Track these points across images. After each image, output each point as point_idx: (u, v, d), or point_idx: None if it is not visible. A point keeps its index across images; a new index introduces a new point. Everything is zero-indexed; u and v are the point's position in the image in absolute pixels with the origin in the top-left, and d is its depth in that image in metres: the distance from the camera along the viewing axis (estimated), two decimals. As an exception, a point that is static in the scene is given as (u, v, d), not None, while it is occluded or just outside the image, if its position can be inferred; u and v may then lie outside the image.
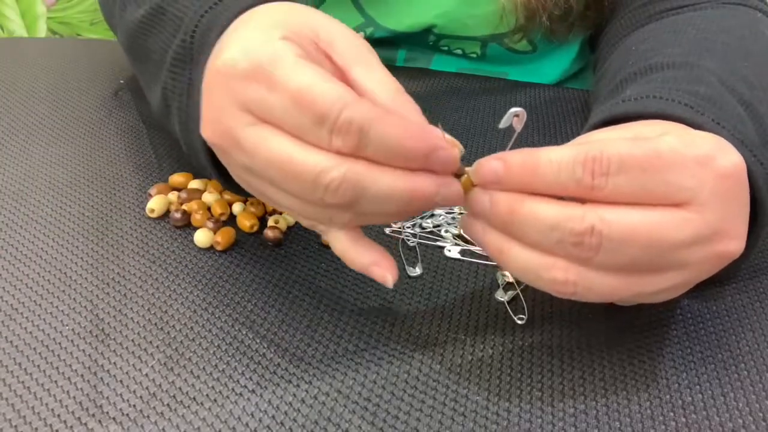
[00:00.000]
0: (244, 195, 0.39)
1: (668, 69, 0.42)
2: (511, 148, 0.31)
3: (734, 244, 0.30)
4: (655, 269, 0.30)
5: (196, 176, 0.48)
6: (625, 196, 0.28)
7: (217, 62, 0.31)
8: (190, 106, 0.37)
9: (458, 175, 0.31)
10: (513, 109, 0.32)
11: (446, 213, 0.46)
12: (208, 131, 0.33)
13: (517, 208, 0.30)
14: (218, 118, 0.32)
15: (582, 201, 0.29)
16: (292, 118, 0.29)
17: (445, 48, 0.70)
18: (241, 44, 0.31)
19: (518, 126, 0.32)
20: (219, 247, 0.42)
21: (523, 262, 0.30)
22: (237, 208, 0.45)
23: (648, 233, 0.28)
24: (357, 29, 0.68)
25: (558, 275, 0.29)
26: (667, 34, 0.50)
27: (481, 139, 0.56)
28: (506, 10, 0.63)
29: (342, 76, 0.32)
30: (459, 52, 0.70)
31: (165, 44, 0.40)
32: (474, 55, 0.70)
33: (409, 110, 0.31)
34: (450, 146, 0.29)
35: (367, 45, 0.33)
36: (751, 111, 0.39)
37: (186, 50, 0.37)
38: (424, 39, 0.69)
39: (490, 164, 0.30)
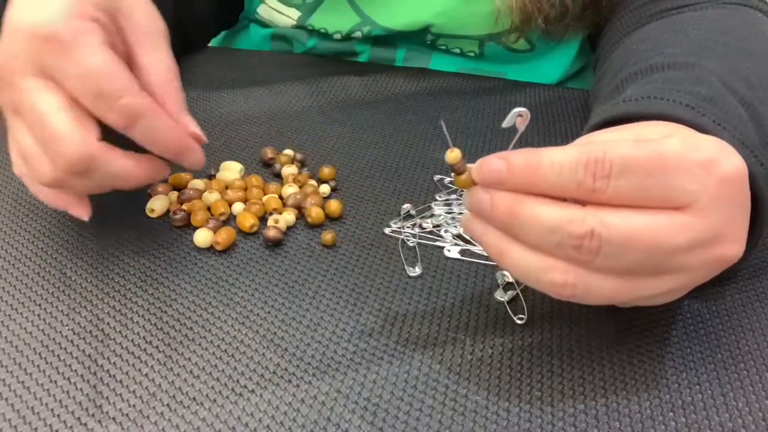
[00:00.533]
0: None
1: (669, 69, 0.42)
2: (513, 148, 0.31)
3: (734, 248, 0.30)
4: (654, 273, 0.30)
5: (196, 176, 0.48)
6: (626, 198, 0.28)
7: (26, 18, 0.34)
8: None
9: (460, 173, 0.31)
10: (516, 109, 0.32)
11: (446, 213, 0.46)
12: None
13: (518, 209, 0.30)
14: (7, 51, 0.35)
15: (583, 203, 0.29)
16: (77, 83, 0.33)
17: (443, 47, 0.70)
18: (52, 10, 0.34)
19: (521, 126, 0.32)
20: (219, 247, 0.42)
21: (522, 263, 0.30)
22: (237, 207, 0.45)
23: (648, 237, 0.28)
24: (354, 28, 0.68)
25: (557, 277, 0.29)
26: (668, 34, 0.50)
27: (481, 139, 0.56)
28: (501, 12, 0.63)
29: (128, 50, 0.37)
30: (457, 51, 0.70)
31: None
32: (472, 54, 0.70)
33: (174, 95, 0.37)
34: (198, 150, 0.38)
35: (159, 26, 0.38)
36: (752, 112, 0.39)
37: None
38: (421, 38, 0.69)
39: (493, 163, 0.30)
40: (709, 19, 0.51)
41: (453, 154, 0.31)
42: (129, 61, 0.37)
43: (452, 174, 0.32)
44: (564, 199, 0.30)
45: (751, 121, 0.38)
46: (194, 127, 0.39)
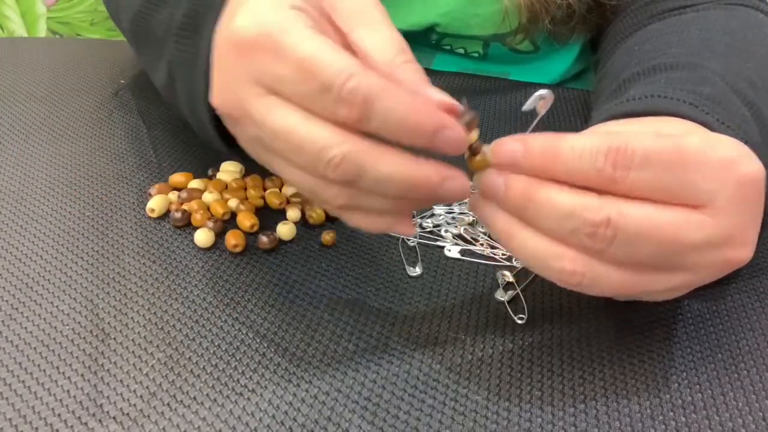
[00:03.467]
0: (246, 162, 0.39)
1: (672, 70, 0.42)
2: (532, 132, 0.31)
3: (745, 252, 0.30)
4: (663, 268, 0.30)
5: (196, 176, 0.48)
6: (644, 191, 0.28)
7: (227, 31, 0.31)
8: (196, 75, 0.37)
9: (475, 153, 0.31)
10: (539, 92, 0.31)
11: (446, 213, 0.46)
12: (218, 100, 0.33)
13: (533, 193, 0.29)
14: (229, 88, 0.32)
15: (599, 193, 0.29)
16: (299, 88, 0.28)
17: (447, 47, 0.70)
18: (250, 13, 0.30)
19: (542, 110, 0.31)
20: (238, 249, 0.42)
21: (531, 248, 0.30)
22: (233, 203, 0.45)
23: (664, 231, 0.28)
24: None
25: (566, 265, 0.29)
26: (670, 35, 0.50)
27: (482, 140, 0.56)
28: (509, 12, 0.63)
29: (344, 39, 0.31)
30: (461, 51, 0.70)
31: (169, 19, 0.41)
32: (476, 55, 0.70)
33: (410, 75, 0.30)
34: (457, 126, 0.29)
35: (373, 1, 0.32)
36: (755, 112, 0.39)
37: (191, 20, 0.37)
38: (426, 38, 0.69)
39: (510, 146, 0.30)
40: (711, 20, 0.51)
41: (471, 134, 0.30)
42: (348, 49, 0.30)
43: (466, 155, 0.31)
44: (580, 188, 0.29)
45: (754, 121, 0.38)
46: (441, 95, 0.30)
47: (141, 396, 0.32)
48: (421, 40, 0.70)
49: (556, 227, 0.29)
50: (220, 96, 0.33)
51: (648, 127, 0.33)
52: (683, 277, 0.30)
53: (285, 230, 0.43)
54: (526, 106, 0.31)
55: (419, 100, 0.28)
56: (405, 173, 0.28)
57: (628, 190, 0.28)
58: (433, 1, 0.65)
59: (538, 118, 0.32)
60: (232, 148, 0.37)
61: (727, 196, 0.29)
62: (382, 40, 0.31)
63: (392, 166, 0.28)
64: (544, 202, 0.29)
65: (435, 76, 0.68)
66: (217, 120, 0.36)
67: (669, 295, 0.32)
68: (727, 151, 0.29)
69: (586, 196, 0.29)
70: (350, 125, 0.28)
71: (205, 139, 0.39)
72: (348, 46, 0.31)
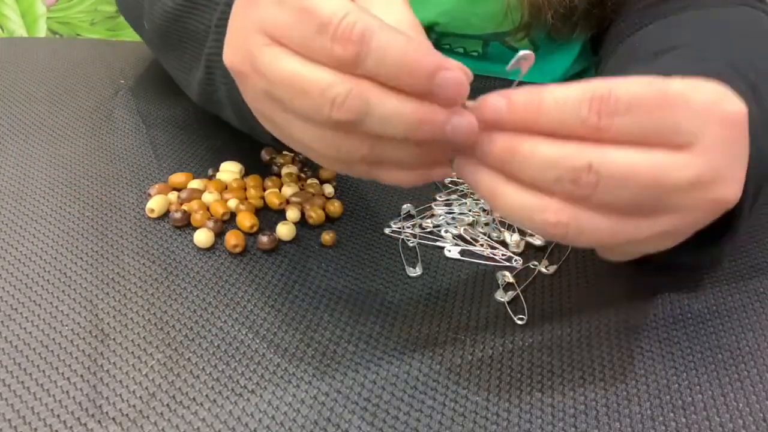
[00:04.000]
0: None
1: (674, 50, 0.42)
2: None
3: (731, 190, 0.30)
4: (650, 212, 0.29)
5: (195, 176, 0.48)
6: (629, 136, 0.28)
7: None
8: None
9: None
10: (522, 52, 0.31)
11: (446, 213, 0.46)
12: (228, 56, 0.33)
13: (517, 146, 0.29)
14: (237, 43, 0.32)
15: (585, 142, 0.29)
16: (298, 32, 0.29)
17: (447, 47, 0.70)
18: None
19: (525, 69, 0.31)
20: (239, 250, 0.42)
21: (516, 203, 0.30)
22: (233, 203, 0.45)
23: (648, 173, 0.28)
24: None
25: (550, 217, 0.29)
26: (672, 29, 0.50)
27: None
28: (511, 7, 0.62)
29: None
30: (460, 50, 0.70)
31: (209, 17, 0.42)
32: (475, 54, 0.70)
33: (422, 44, 0.29)
34: (457, 69, 0.28)
35: None
36: (756, 93, 0.39)
37: (230, 8, 0.37)
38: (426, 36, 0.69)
39: (493, 101, 0.29)
40: (712, 17, 0.51)
41: None
42: None
43: None
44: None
45: (755, 103, 0.38)
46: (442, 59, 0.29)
47: (140, 397, 0.32)
48: None
49: (540, 178, 0.28)
50: (229, 53, 0.33)
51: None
52: (671, 220, 0.29)
53: (285, 230, 0.43)
54: (510, 66, 0.31)
55: (414, 41, 0.28)
56: (409, 107, 0.28)
57: (613, 137, 0.28)
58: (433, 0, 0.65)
59: (520, 77, 0.32)
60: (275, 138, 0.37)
61: (711, 135, 0.28)
62: (396, 19, 0.30)
63: (396, 100, 0.28)
64: (527, 154, 0.29)
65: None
66: None
67: (658, 244, 0.31)
68: (709, 92, 0.29)
69: (568, 144, 0.28)
70: (349, 67, 0.28)
71: (248, 128, 0.41)
72: None
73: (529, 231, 0.30)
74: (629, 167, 0.28)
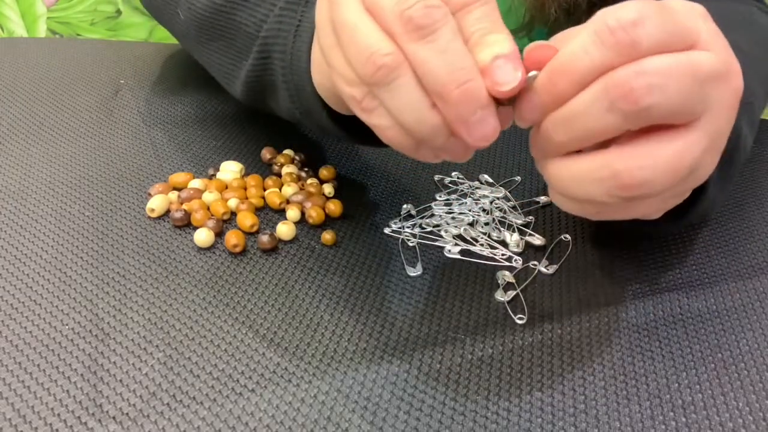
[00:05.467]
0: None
1: None
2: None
3: (740, 80, 0.30)
4: (696, 112, 0.29)
5: (196, 176, 0.48)
6: (653, 46, 0.28)
7: None
8: (297, 45, 0.39)
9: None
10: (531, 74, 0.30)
11: (446, 213, 0.46)
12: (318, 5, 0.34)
13: (559, 117, 0.29)
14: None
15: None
16: None
17: None
18: None
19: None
20: (238, 249, 0.42)
21: (581, 171, 0.30)
22: (233, 203, 0.45)
23: (687, 66, 0.28)
24: None
25: (618, 168, 0.29)
26: None
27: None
28: (514, 6, 0.63)
29: None
30: None
31: (263, 11, 0.43)
32: None
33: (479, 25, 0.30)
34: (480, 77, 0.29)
35: None
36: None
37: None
38: None
39: (528, 102, 0.30)
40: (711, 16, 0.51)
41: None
42: None
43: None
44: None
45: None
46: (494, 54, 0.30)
47: (140, 396, 0.32)
48: None
49: (593, 111, 0.28)
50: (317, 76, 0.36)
51: None
52: (710, 122, 0.29)
53: (285, 230, 0.43)
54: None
55: (459, 59, 0.28)
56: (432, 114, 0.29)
57: (643, 50, 0.28)
58: None
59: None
60: (339, 127, 0.39)
61: (707, 31, 0.29)
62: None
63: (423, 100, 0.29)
64: (570, 113, 0.29)
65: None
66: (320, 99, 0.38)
67: (707, 163, 0.31)
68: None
69: (602, 76, 0.28)
70: (401, 41, 0.29)
71: (302, 111, 0.41)
72: None
73: (601, 198, 0.30)
74: (672, 63, 0.27)
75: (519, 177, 0.50)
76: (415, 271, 0.41)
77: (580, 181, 0.30)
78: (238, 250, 0.42)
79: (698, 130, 0.29)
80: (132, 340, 0.35)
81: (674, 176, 0.29)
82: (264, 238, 0.42)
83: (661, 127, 0.29)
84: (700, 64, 0.28)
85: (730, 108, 0.30)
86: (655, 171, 0.29)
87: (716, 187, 0.38)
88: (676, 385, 0.34)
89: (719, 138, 0.31)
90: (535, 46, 0.30)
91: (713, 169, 0.32)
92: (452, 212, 0.46)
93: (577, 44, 0.29)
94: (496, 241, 0.44)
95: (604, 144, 0.30)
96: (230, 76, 0.48)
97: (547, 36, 0.67)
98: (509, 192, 0.49)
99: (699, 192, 0.36)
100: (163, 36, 1.24)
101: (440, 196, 0.48)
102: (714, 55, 0.29)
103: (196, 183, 0.47)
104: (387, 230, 0.45)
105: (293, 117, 0.44)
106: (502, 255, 0.42)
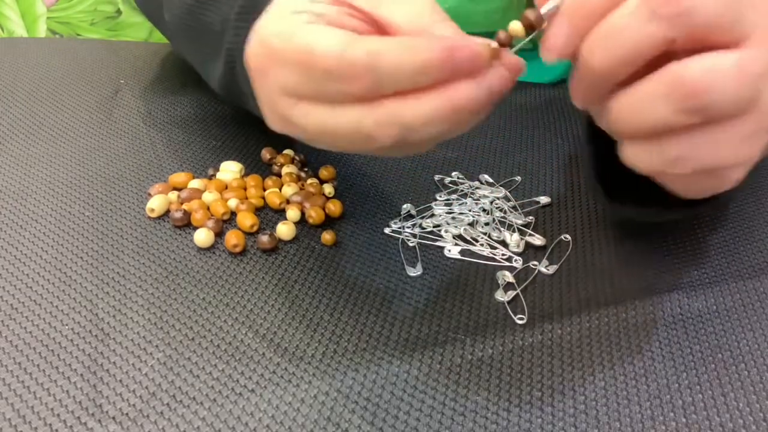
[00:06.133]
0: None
1: None
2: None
3: None
4: (734, 23, 0.27)
5: (196, 176, 0.48)
6: (701, 28, 0.26)
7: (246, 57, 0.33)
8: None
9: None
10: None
11: (446, 213, 0.46)
12: (272, 124, 0.34)
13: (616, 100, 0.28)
14: (272, 111, 0.33)
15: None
16: (311, 84, 0.29)
17: None
18: (255, 32, 0.32)
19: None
20: (238, 249, 0.42)
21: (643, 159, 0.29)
22: (233, 203, 0.45)
23: (737, 71, 0.26)
24: None
25: (680, 154, 0.27)
26: None
27: (481, 139, 0.56)
28: (514, 3, 0.63)
29: (372, 21, 0.31)
30: None
31: (226, 9, 0.41)
32: None
33: (446, 32, 0.30)
34: (468, 43, 0.28)
35: None
36: None
37: (250, 2, 0.38)
38: None
39: (555, 33, 0.28)
40: None
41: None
42: (378, 30, 0.31)
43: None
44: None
45: None
46: (453, 35, 0.30)
47: (140, 396, 0.32)
48: None
49: (662, 111, 0.27)
50: (271, 121, 0.34)
51: None
52: (757, 47, 0.27)
53: (285, 230, 0.43)
54: (545, 10, 0.29)
55: (415, 41, 0.28)
56: (444, 104, 0.28)
57: (697, 21, 0.26)
58: None
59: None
60: None
61: (763, 24, 0.27)
62: (411, 8, 0.30)
63: (429, 105, 0.28)
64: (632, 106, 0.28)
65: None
66: None
67: (755, 67, 0.28)
68: None
69: (658, 75, 0.27)
70: (372, 95, 0.28)
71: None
72: (377, 25, 0.31)
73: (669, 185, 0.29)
74: (725, 65, 0.26)
75: (519, 177, 0.50)
76: (415, 271, 0.41)
77: (646, 104, 0.28)
78: (238, 250, 0.42)
79: (751, 49, 0.27)
80: (132, 340, 0.35)
81: (740, 86, 0.27)
82: (264, 238, 0.42)
83: (714, 47, 0.27)
84: (752, 61, 0.26)
85: None
86: (721, 75, 0.26)
87: None
88: (677, 385, 0.34)
89: (762, 131, 0.29)
90: None
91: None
92: (452, 212, 0.46)
93: (622, 10, 0.27)
94: (496, 241, 0.44)
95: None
96: (210, 78, 0.48)
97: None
98: (509, 192, 0.49)
99: None
100: (163, 36, 1.24)
101: (440, 196, 0.48)
102: (763, 50, 0.27)
103: (196, 183, 0.47)
104: (387, 230, 0.45)
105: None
106: (503, 255, 0.42)
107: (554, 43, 0.28)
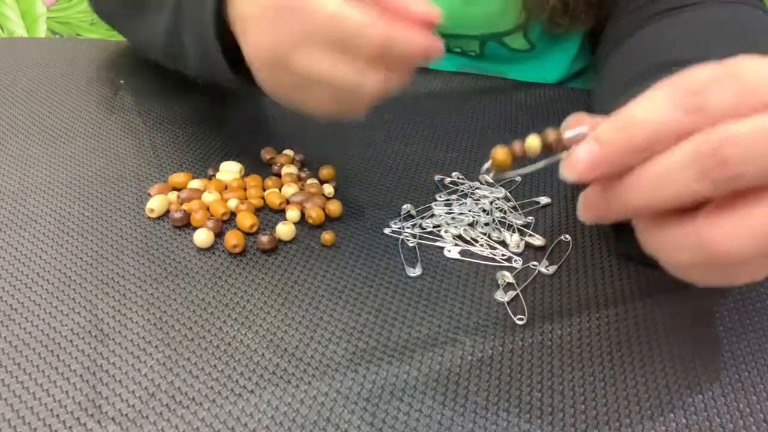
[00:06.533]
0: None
1: (676, 66, 0.42)
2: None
3: None
4: None
5: (195, 176, 0.48)
6: (731, 109, 0.26)
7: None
8: (205, 17, 0.43)
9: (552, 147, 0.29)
10: (584, 129, 0.29)
11: (446, 213, 0.46)
12: (260, 55, 0.38)
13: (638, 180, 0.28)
14: (271, 46, 0.37)
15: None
16: (330, 37, 0.35)
17: (445, 45, 0.70)
18: None
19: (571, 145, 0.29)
20: (238, 250, 0.42)
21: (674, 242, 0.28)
22: (233, 203, 0.45)
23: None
24: None
25: (715, 241, 0.27)
26: (672, 34, 0.50)
27: (481, 139, 0.56)
28: (509, 7, 0.63)
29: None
30: (458, 50, 0.70)
31: None
32: (473, 53, 0.70)
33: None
34: (435, 40, 0.36)
35: None
36: None
37: None
38: None
39: (585, 154, 0.28)
40: (709, 19, 0.51)
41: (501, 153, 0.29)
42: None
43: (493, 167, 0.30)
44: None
45: None
46: (417, 6, 0.36)
47: (139, 397, 0.32)
48: None
49: (681, 183, 0.27)
50: (260, 53, 0.38)
51: None
52: None
53: (284, 230, 0.43)
54: (571, 135, 0.29)
55: (415, 34, 0.35)
56: (414, 37, 0.35)
57: (719, 111, 0.26)
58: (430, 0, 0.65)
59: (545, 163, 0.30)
60: (239, 78, 0.44)
61: None
62: None
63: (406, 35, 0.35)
64: (652, 175, 0.27)
65: (432, 76, 0.68)
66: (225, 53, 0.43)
67: None
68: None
69: (686, 140, 0.27)
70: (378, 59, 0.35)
71: (214, 76, 0.46)
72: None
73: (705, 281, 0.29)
74: (755, 130, 0.26)
75: (519, 177, 0.50)
76: (414, 272, 0.41)
77: (670, 249, 0.29)
78: (237, 250, 0.42)
79: None
80: (131, 340, 0.35)
81: (766, 240, 0.27)
82: (264, 239, 0.42)
83: (750, 190, 0.27)
84: None
85: None
86: (746, 238, 0.27)
87: None
88: (677, 385, 0.34)
89: None
90: (576, 116, 0.29)
91: None
92: (452, 212, 0.46)
93: (644, 100, 0.27)
94: (496, 241, 0.44)
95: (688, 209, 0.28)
96: (152, 45, 0.54)
97: (544, 35, 0.67)
98: (509, 192, 0.49)
99: None
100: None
101: (440, 197, 0.48)
102: None
103: (196, 183, 0.47)
104: (387, 230, 0.45)
105: (201, 73, 0.50)
106: (502, 255, 0.42)
107: (578, 166, 0.28)
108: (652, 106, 0.27)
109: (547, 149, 0.29)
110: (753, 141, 0.26)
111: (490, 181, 0.50)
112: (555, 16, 0.62)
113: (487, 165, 0.30)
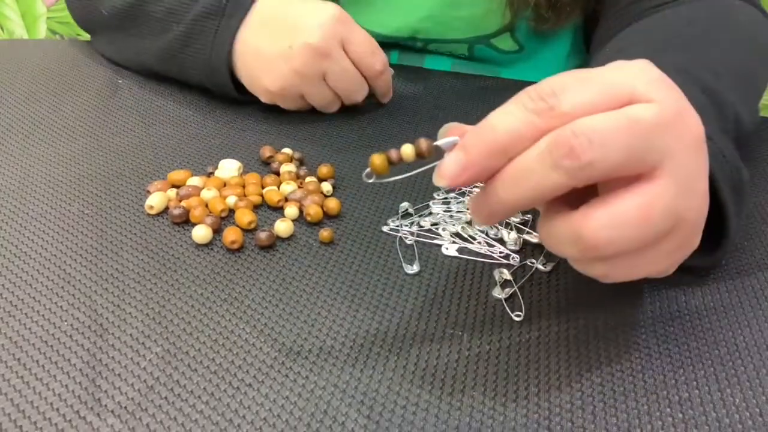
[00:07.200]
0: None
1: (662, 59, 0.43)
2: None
3: (695, 120, 0.30)
4: (645, 163, 0.28)
5: (194, 173, 0.49)
6: (582, 107, 0.28)
7: (304, 40, 0.54)
8: (216, 47, 0.57)
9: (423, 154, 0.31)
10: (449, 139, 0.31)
11: (444, 211, 0.46)
12: (275, 76, 0.56)
13: (500, 183, 0.30)
14: (296, 80, 0.55)
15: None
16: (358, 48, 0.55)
17: (433, 49, 0.71)
18: (314, 25, 0.54)
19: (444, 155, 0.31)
20: (236, 246, 0.42)
21: (552, 232, 0.30)
22: (232, 200, 0.45)
23: (622, 121, 0.28)
24: None
25: (586, 233, 0.29)
26: (636, 35, 0.51)
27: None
28: (493, 9, 0.63)
29: None
30: (447, 52, 0.71)
31: (179, 5, 0.58)
32: (462, 56, 0.71)
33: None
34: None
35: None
36: (715, 98, 0.40)
37: (217, 8, 0.56)
38: (412, 43, 0.70)
39: (451, 161, 0.30)
40: (681, 15, 0.52)
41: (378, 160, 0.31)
42: None
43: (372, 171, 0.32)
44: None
45: (712, 106, 0.39)
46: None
47: (139, 390, 0.32)
48: (407, 47, 0.71)
49: (539, 177, 0.28)
50: (274, 74, 0.56)
51: None
52: (670, 170, 0.29)
53: (283, 227, 0.43)
54: (441, 143, 0.31)
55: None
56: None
57: (571, 111, 0.28)
58: (413, 4, 0.66)
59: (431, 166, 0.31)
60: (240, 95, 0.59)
61: (645, 81, 0.29)
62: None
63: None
64: (512, 174, 0.29)
65: (427, 76, 0.68)
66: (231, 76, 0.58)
67: (663, 201, 0.29)
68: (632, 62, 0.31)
69: (541, 140, 0.28)
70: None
71: (211, 88, 0.60)
72: None
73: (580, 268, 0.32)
74: (606, 120, 0.28)
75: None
76: (412, 269, 0.41)
77: (556, 243, 0.31)
78: (236, 247, 0.42)
79: (663, 177, 0.29)
80: (130, 335, 0.35)
81: (645, 228, 0.29)
82: (262, 236, 0.42)
83: (627, 180, 0.29)
84: (638, 117, 0.28)
85: (692, 148, 0.30)
86: (621, 227, 0.28)
87: (735, 219, 0.37)
88: (673, 381, 0.34)
89: (691, 179, 0.30)
90: (450, 126, 0.31)
91: (705, 209, 0.32)
92: (450, 210, 0.46)
93: (498, 110, 0.30)
94: (493, 239, 0.44)
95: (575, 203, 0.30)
96: (144, 55, 0.63)
97: (530, 34, 0.68)
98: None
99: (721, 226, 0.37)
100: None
101: (438, 195, 0.48)
102: (656, 105, 0.28)
103: (195, 180, 0.47)
104: (385, 228, 0.45)
105: (197, 85, 0.62)
106: (500, 253, 0.43)
107: (447, 172, 0.30)
108: (506, 111, 0.29)
109: (420, 157, 0.31)
110: (598, 130, 0.27)
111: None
112: (540, 9, 0.62)
113: (367, 170, 0.32)
